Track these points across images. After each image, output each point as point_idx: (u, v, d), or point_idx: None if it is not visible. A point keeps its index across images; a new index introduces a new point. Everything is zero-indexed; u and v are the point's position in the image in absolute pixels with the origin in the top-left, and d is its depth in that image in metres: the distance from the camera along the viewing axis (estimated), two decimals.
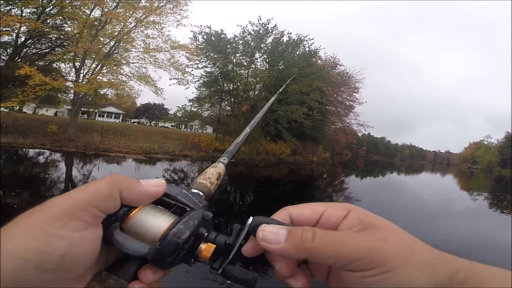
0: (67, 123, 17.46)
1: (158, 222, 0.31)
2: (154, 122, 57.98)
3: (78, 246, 0.26)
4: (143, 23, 16.03)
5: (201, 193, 0.40)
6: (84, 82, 13.95)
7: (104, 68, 15.85)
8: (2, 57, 15.17)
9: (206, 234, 0.32)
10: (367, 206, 8.22)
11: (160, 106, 55.23)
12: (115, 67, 15.92)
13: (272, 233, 0.28)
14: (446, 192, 16.83)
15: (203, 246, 0.31)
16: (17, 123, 17.33)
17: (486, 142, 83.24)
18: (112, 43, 15.90)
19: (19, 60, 15.02)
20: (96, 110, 45.38)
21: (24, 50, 15.62)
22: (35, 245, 0.24)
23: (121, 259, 0.30)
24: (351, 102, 39.33)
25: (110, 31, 14.97)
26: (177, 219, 0.31)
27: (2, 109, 13.93)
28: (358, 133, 54.40)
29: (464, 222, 9.09)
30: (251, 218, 0.31)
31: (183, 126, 41.98)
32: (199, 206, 0.33)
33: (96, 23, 14.63)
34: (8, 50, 15.27)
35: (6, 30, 13.25)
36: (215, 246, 0.31)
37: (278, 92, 1.49)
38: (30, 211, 0.26)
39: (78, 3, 14.61)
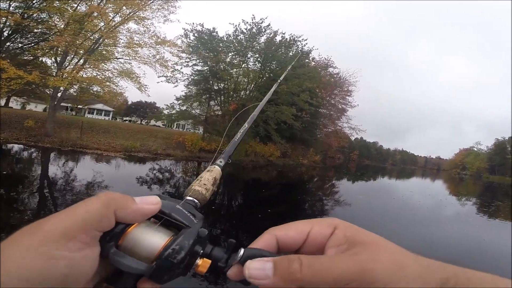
0: (57, 120, 16.83)
1: (154, 240, 0.31)
2: (146, 121, 56.91)
3: (78, 265, 0.27)
4: (129, 18, 15.44)
5: (196, 201, 0.40)
6: (60, 77, 13.20)
7: (86, 63, 15.15)
8: None
9: (202, 251, 0.32)
10: (356, 211, 7.80)
11: (152, 104, 54.35)
12: (97, 63, 15.24)
13: (258, 270, 0.28)
14: (436, 197, 16.57)
15: (199, 262, 0.32)
16: None
17: (476, 149, 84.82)
18: (95, 38, 15.26)
19: (0, 54, 14.28)
20: (86, 107, 44.31)
21: (7, 44, 14.86)
22: (37, 267, 0.24)
23: (121, 271, 0.30)
24: (343, 105, 39.16)
25: (93, 25, 14.27)
26: (172, 237, 0.32)
27: None
28: (351, 137, 54.45)
29: (453, 228, 8.82)
30: (242, 251, 0.31)
31: (175, 125, 41.27)
32: (194, 223, 0.34)
33: (79, 18, 13.98)
34: None
35: None
36: (210, 261, 0.32)
37: (274, 86, 1.28)
38: (29, 229, 0.26)
39: (65, 1, 13.95)
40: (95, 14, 14.07)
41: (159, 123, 45.35)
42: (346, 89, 38.23)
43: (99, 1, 15.39)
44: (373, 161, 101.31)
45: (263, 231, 0.33)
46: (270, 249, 0.31)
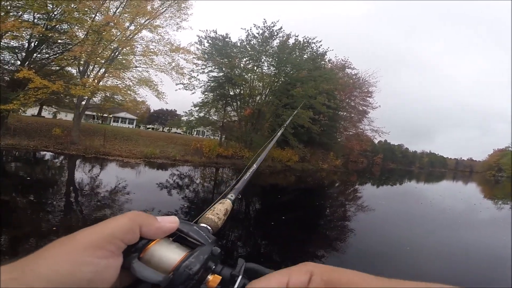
0: (82, 128, 17.73)
1: (172, 255, 0.34)
2: (168, 128, 58.69)
3: (102, 272, 0.30)
4: (144, 26, 15.95)
5: (209, 228, 0.44)
6: (82, 86, 13.86)
7: (106, 72, 15.82)
8: (12, 61, 15.53)
9: (214, 267, 0.35)
10: (380, 216, 7.41)
11: (172, 112, 55.96)
12: (117, 71, 15.85)
13: None
14: (469, 202, 15.31)
15: (210, 277, 0.34)
16: (29, 126, 17.81)
17: None
18: (113, 47, 15.90)
19: (29, 65, 15.29)
20: (111, 115, 46.57)
21: (34, 55, 15.88)
22: (65, 270, 0.27)
23: (137, 282, 0.33)
24: (364, 107, 37.74)
25: (110, 35, 14.89)
26: (189, 252, 0.35)
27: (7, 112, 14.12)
28: (374, 140, 52.38)
29: (488, 233, 8.11)
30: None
31: (195, 132, 42.12)
32: (209, 242, 0.37)
33: (97, 28, 14.64)
34: (19, 55, 15.60)
35: (15, 35, 13.50)
36: (221, 277, 0.35)
37: (285, 124, 1.44)
38: (61, 240, 0.30)
39: (83, 11, 14.71)
40: (111, 24, 14.64)
41: (180, 130, 46.50)
42: (366, 90, 36.83)
43: (114, 11, 16.01)
44: (398, 165, 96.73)
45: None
46: None
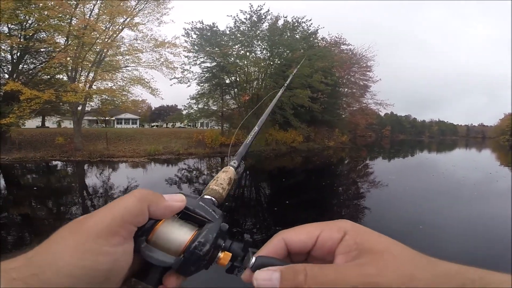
0: (84, 134, 17.95)
1: (180, 235, 0.33)
2: (172, 124, 58.84)
3: (119, 260, 0.28)
4: (124, 25, 15.56)
5: (213, 199, 0.43)
6: (73, 92, 13.74)
7: (96, 75, 15.64)
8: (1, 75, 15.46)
9: (223, 244, 0.35)
10: (391, 192, 7.50)
11: (173, 107, 55.86)
12: (106, 73, 15.67)
13: (266, 280, 0.30)
14: (484, 171, 14.31)
15: (221, 255, 0.34)
16: (34, 138, 18.04)
17: None
18: (97, 50, 15.67)
19: (17, 76, 15.20)
20: (114, 118, 46.82)
21: (20, 66, 15.77)
22: (84, 263, 0.26)
23: (147, 267, 0.33)
24: (365, 82, 37.48)
25: (91, 38, 14.58)
26: (197, 231, 0.34)
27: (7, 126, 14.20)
28: (379, 113, 51.38)
29: (508, 204, 7.35)
30: (253, 259, 0.32)
31: (199, 124, 42.01)
32: (216, 218, 0.36)
33: (76, 32, 14.34)
34: (4, 68, 15.53)
35: None
36: (231, 254, 0.34)
37: (285, 84, 1.37)
38: (73, 226, 0.28)
39: (59, 17, 14.34)
40: (88, 27, 14.35)
41: (183, 124, 46.45)
42: (364, 65, 36.65)
43: (89, 14, 15.72)
44: (408, 135, 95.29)
45: (286, 223, 0.34)
46: (280, 253, 0.32)
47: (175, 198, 0.34)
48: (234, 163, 0.54)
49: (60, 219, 5.94)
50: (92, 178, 10.96)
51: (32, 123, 28.73)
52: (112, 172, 12.65)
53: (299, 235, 0.32)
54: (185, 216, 0.36)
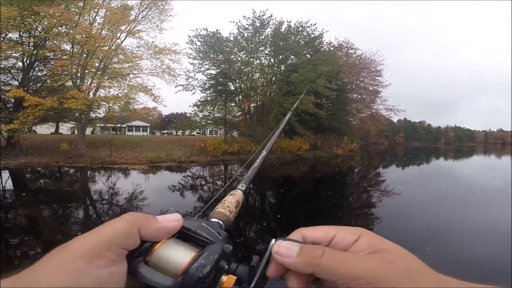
0: (91, 141, 18.21)
1: (180, 256, 0.32)
2: (182, 131, 59.26)
3: (106, 282, 0.28)
4: (128, 33, 15.70)
5: (220, 222, 0.42)
6: (75, 99, 13.84)
7: (99, 82, 15.76)
8: (11, 82, 15.85)
9: (227, 266, 0.33)
10: (402, 202, 7.06)
11: (183, 114, 56.24)
12: (110, 81, 15.79)
13: (286, 248, 0.31)
14: (506, 180, 13.02)
15: (224, 278, 0.32)
16: (42, 144, 18.40)
17: None
18: (100, 57, 15.83)
19: (27, 84, 15.50)
20: (125, 125, 47.65)
21: (30, 73, 16.14)
22: (67, 283, 0.25)
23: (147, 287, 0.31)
24: (375, 87, 36.54)
25: (91, 45, 14.74)
26: (198, 253, 0.33)
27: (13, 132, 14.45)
28: (391, 119, 49.85)
29: None
30: (273, 240, 0.33)
31: (208, 132, 41.98)
32: (219, 239, 0.35)
33: (78, 40, 14.56)
34: (15, 75, 15.92)
35: (5, 55, 13.71)
36: (236, 277, 0.32)
37: (293, 107, 1.45)
38: (59, 249, 0.28)
39: (65, 25, 14.60)
40: (87, 35, 14.52)
41: (194, 132, 46.60)
42: (374, 69, 35.70)
43: (91, 22, 15.95)
44: (422, 142, 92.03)
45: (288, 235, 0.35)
46: None
47: (169, 218, 0.33)
48: (242, 186, 0.53)
49: (53, 222, 6.09)
50: (90, 184, 11.07)
51: (47, 130, 29.63)
52: (110, 178, 12.53)
53: (316, 231, 0.33)
54: (187, 237, 0.34)
